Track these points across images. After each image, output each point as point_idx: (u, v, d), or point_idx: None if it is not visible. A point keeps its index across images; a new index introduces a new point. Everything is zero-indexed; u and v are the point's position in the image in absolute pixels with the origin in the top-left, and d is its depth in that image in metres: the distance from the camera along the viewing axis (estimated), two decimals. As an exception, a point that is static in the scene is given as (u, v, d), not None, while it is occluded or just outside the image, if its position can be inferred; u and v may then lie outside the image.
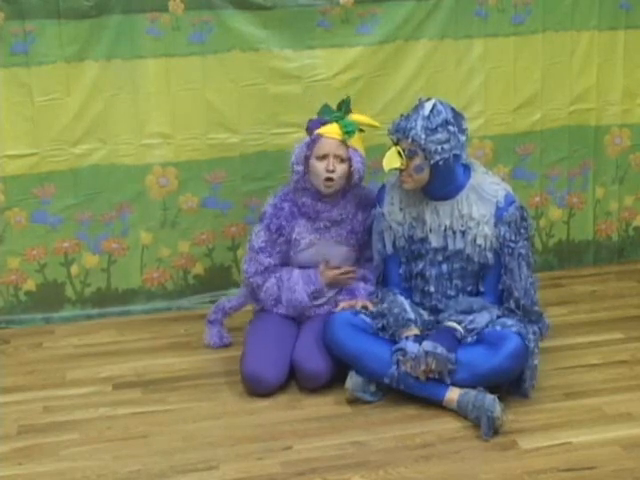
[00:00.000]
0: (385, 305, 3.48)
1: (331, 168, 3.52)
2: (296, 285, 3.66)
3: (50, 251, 4.20)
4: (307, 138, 3.59)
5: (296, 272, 3.68)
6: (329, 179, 3.53)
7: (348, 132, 3.54)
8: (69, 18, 3.92)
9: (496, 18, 4.27)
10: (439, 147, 3.29)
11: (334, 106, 3.62)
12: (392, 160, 3.35)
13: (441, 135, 3.30)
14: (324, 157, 3.53)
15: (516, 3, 4.28)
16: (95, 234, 4.23)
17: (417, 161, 3.32)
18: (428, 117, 3.30)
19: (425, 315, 3.49)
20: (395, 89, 4.25)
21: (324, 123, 3.56)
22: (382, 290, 3.59)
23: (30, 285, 4.23)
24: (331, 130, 3.54)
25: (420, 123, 3.30)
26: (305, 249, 3.68)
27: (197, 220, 4.30)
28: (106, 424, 3.32)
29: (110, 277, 4.30)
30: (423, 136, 3.28)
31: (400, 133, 3.35)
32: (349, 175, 3.57)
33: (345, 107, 3.60)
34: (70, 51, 3.96)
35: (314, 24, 4.13)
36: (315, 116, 3.63)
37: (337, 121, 3.55)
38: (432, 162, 3.30)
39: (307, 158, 3.57)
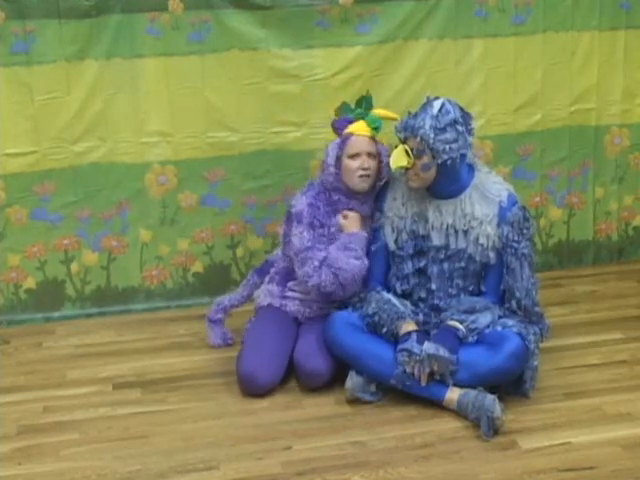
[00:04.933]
0: (373, 305, 3.45)
1: (366, 166, 3.52)
2: (342, 262, 3.47)
3: (50, 248, 4.20)
4: (337, 139, 3.56)
5: (332, 249, 3.52)
6: (365, 176, 3.52)
7: (376, 128, 3.55)
8: (69, 17, 3.92)
9: (496, 18, 4.26)
10: (447, 147, 3.28)
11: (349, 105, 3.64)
12: (399, 159, 3.34)
13: (449, 135, 3.29)
14: (357, 155, 3.52)
15: (516, 3, 4.27)
16: (95, 232, 4.23)
17: (424, 160, 3.31)
18: (437, 116, 3.30)
19: (409, 305, 3.46)
20: (394, 89, 4.24)
21: (351, 122, 3.56)
22: (364, 291, 3.54)
23: (30, 283, 4.24)
24: (360, 128, 3.54)
25: (429, 122, 3.29)
26: None
27: (196, 218, 4.30)
28: (106, 424, 3.32)
29: (110, 275, 4.30)
30: (432, 135, 3.27)
31: (408, 132, 3.33)
32: (379, 170, 3.57)
33: (366, 104, 3.59)
34: (70, 50, 3.97)
35: (313, 23, 4.13)
36: (325, 115, 3.62)
37: (362, 118, 3.55)
38: (439, 161, 3.29)
39: (338, 158, 3.56)
